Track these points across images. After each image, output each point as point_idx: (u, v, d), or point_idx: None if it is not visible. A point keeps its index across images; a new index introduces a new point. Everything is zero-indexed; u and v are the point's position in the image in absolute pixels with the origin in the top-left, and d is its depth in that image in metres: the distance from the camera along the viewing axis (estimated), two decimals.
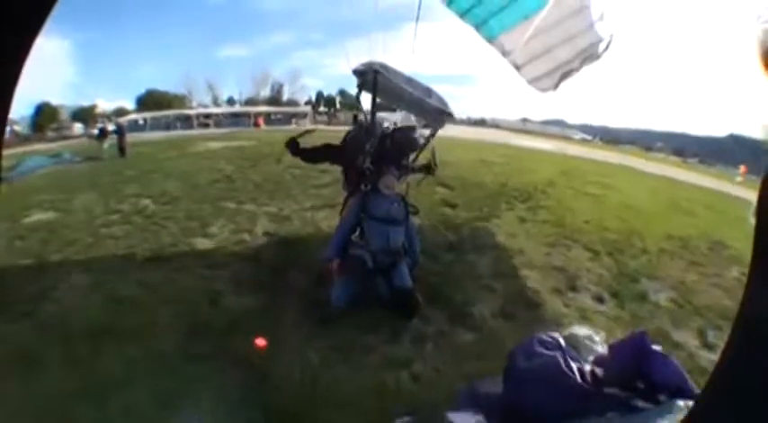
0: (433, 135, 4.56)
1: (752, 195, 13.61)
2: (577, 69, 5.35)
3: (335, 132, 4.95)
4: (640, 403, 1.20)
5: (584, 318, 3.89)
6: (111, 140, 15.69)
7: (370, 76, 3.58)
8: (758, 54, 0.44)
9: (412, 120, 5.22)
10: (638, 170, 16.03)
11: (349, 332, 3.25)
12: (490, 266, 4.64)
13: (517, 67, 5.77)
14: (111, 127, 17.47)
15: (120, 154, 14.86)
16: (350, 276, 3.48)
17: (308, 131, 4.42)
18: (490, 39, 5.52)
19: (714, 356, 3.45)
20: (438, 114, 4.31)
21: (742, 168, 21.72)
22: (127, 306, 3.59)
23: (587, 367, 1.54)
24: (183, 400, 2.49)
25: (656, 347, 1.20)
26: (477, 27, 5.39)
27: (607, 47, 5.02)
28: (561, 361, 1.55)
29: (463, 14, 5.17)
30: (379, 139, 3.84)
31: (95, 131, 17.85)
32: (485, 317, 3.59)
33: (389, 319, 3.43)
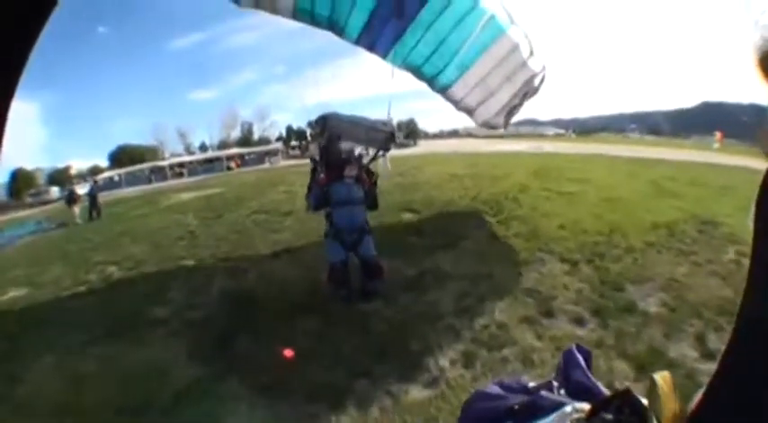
0: (381, 154, 5.49)
1: (733, 161, 13.50)
2: (521, 105, 6.07)
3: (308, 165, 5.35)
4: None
5: (560, 349, 3.45)
6: (83, 202, 15.57)
7: (320, 125, 4.79)
8: (755, 60, 0.41)
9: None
10: (615, 157, 15.83)
11: (292, 401, 3.03)
12: (453, 302, 4.25)
13: (469, 113, 6.52)
14: (81, 190, 17.18)
15: (90, 218, 14.54)
16: (338, 283, 4.31)
17: None
18: (442, 90, 6.15)
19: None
20: (384, 139, 5.20)
21: (718, 135, 21.68)
22: (86, 383, 3.71)
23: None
24: None
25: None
26: (429, 82, 6.04)
27: (542, 80, 5.69)
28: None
29: (415, 71, 5.84)
30: (323, 149, 4.87)
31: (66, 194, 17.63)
32: (443, 367, 3.19)
33: (333, 386, 3.10)
